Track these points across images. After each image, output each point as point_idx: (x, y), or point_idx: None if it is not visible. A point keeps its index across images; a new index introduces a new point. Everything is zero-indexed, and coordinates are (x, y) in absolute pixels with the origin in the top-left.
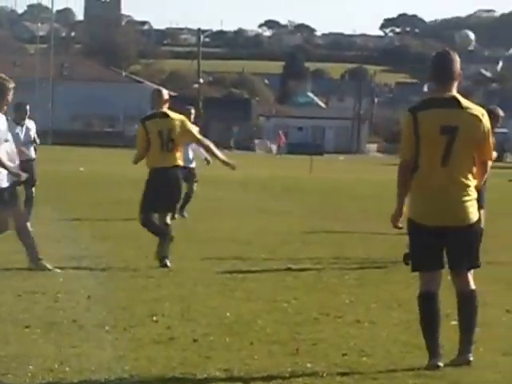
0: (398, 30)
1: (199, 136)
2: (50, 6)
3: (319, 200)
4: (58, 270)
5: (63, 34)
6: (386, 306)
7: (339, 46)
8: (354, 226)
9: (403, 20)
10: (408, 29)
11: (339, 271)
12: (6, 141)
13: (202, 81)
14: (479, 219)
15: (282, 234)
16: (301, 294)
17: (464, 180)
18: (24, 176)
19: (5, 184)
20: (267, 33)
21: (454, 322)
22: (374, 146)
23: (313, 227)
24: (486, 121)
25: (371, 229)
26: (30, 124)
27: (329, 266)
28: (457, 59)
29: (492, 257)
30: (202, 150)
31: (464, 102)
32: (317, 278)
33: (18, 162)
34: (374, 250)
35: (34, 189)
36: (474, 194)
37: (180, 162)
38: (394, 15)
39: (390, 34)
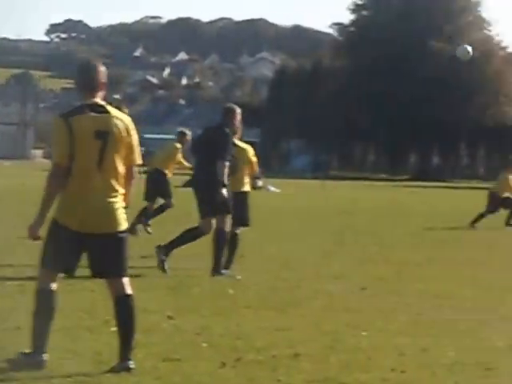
0: (63, 35)
1: None
2: None
3: None
4: None
5: None
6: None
7: (4, 50)
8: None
9: (69, 25)
10: (74, 34)
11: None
12: None
13: None
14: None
15: None
16: None
17: (116, 185)
18: None
19: None
20: None
21: (114, 329)
22: (39, 152)
23: None
24: (133, 128)
25: None
26: None
27: None
28: (102, 70)
29: (156, 262)
30: None
31: (111, 109)
32: None
33: None
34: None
35: None
36: (122, 200)
37: None
38: (60, 20)
39: (56, 40)
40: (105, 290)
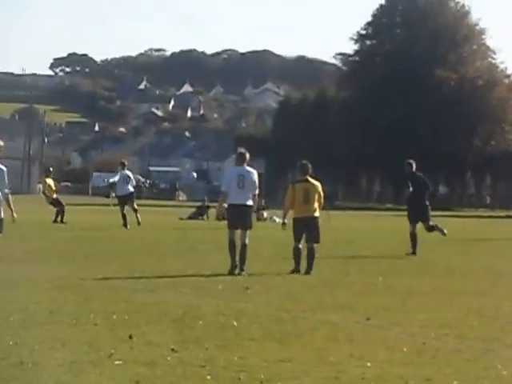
0: (68, 69)
1: None
2: None
3: None
4: None
5: None
6: (49, 347)
7: (8, 85)
8: (20, 268)
9: (73, 59)
10: (78, 68)
11: (3, 312)
12: None
13: None
14: None
15: None
16: None
17: None
18: None
19: None
20: None
21: (118, 362)
22: None
23: None
24: None
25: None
26: None
27: None
28: None
29: (159, 295)
30: None
31: None
32: None
33: None
34: (39, 290)
35: None
36: None
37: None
38: (64, 54)
39: (61, 74)
40: (109, 324)
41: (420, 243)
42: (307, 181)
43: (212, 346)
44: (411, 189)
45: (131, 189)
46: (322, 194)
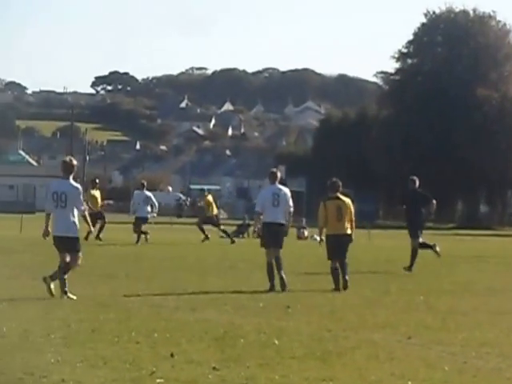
0: (109, 87)
1: None
2: None
3: (29, 259)
4: None
5: None
6: (91, 365)
7: (50, 103)
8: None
9: (115, 78)
10: (120, 86)
11: (45, 330)
12: None
13: None
14: None
15: None
16: (5, 354)
17: None
18: None
19: None
20: None
21: (159, 380)
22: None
23: (23, 286)
24: None
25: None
26: None
27: (35, 325)
28: None
29: (200, 313)
30: None
31: None
32: (23, 337)
33: None
34: (81, 308)
35: None
36: None
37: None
38: (106, 73)
39: (102, 92)
40: (150, 342)
41: (460, 261)
42: (338, 198)
43: (253, 365)
44: (405, 206)
45: (149, 213)
46: (352, 211)
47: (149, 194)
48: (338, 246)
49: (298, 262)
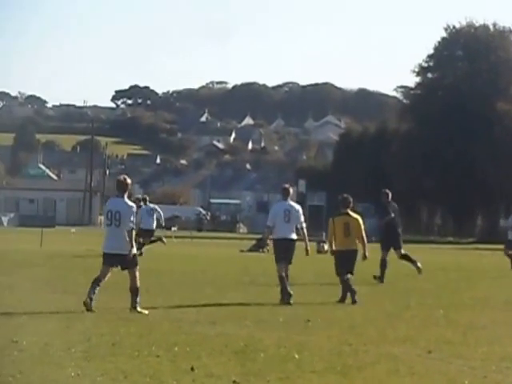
0: (129, 101)
1: None
2: None
3: (49, 273)
4: None
5: None
6: (111, 379)
7: (70, 117)
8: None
9: (135, 92)
10: (140, 100)
11: (66, 344)
12: None
13: None
14: None
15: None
16: (25, 368)
17: None
18: None
19: None
20: None
21: None
22: None
23: (43, 299)
24: None
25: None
26: None
27: (55, 339)
28: None
29: (221, 327)
30: None
31: None
32: (43, 350)
33: None
34: (102, 322)
35: None
36: None
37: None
38: (126, 86)
39: (122, 106)
40: (170, 356)
41: (480, 276)
42: (347, 214)
43: (274, 379)
44: (392, 215)
45: (154, 225)
46: (362, 227)
47: (152, 205)
48: (346, 261)
49: (318, 276)
